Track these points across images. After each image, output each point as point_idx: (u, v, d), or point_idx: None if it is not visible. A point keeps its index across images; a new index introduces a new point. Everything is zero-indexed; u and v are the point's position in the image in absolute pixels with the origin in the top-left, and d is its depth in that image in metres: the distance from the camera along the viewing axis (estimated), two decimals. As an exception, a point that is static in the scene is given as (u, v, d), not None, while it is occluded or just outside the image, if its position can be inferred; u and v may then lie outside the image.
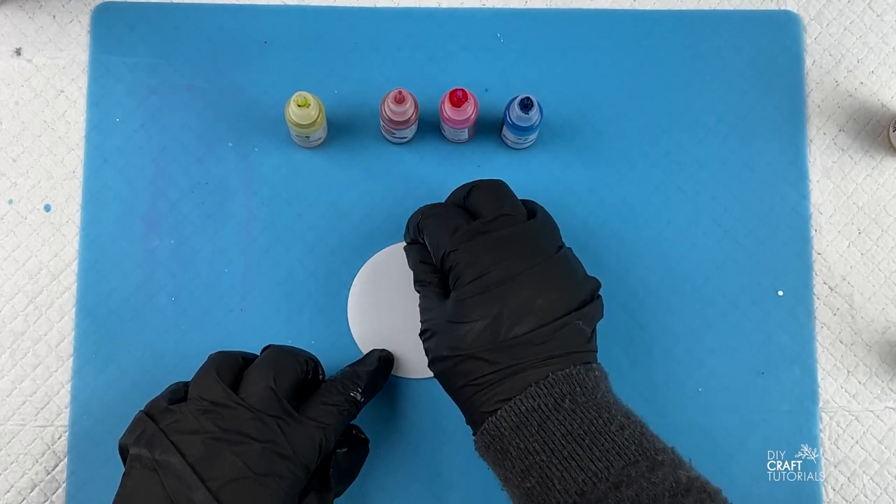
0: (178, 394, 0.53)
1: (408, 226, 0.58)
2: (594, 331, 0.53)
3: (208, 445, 0.49)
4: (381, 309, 0.64)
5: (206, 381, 0.52)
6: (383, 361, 0.60)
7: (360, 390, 0.56)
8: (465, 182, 0.58)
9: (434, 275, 0.55)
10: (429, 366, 0.53)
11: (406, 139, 0.66)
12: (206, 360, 0.55)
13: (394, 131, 0.63)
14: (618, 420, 0.48)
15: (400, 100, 0.60)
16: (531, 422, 0.47)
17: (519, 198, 0.57)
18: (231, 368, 0.53)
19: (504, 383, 0.49)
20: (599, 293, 0.55)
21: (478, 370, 0.49)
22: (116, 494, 0.51)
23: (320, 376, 0.57)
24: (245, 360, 0.55)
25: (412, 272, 0.58)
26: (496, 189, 0.55)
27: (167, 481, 0.49)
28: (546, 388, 0.48)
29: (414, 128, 0.64)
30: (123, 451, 0.53)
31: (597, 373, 0.50)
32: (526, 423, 0.47)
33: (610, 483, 0.45)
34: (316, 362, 0.57)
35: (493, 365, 0.49)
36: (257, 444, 0.50)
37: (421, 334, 0.54)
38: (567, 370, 0.48)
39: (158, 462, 0.49)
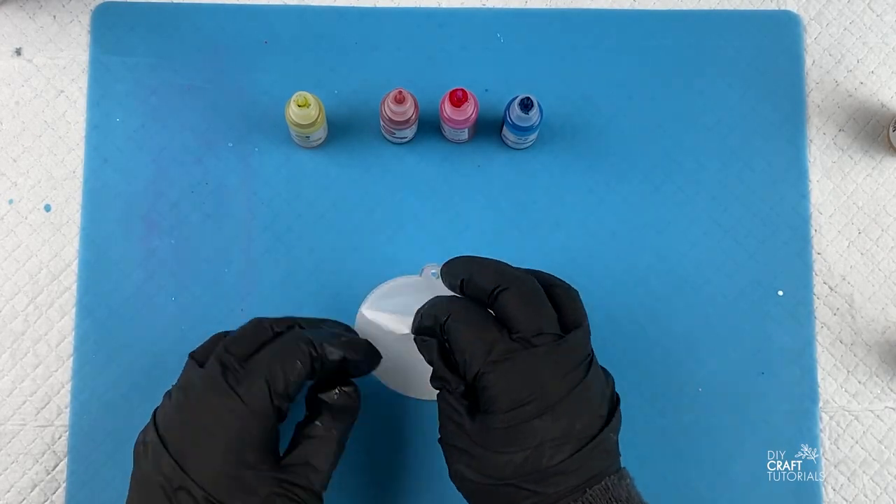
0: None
1: (422, 314, 0.54)
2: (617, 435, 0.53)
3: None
4: (392, 328, 0.61)
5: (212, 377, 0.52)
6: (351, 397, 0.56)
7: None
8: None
9: (459, 380, 0.51)
10: (453, 479, 0.51)
11: (406, 139, 0.66)
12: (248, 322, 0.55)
13: (394, 131, 0.63)
14: None
15: (400, 100, 0.60)
16: None
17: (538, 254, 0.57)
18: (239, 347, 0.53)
19: None
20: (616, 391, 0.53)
21: (517, 498, 0.48)
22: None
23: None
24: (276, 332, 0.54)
25: (429, 365, 0.53)
26: (531, 298, 0.51)
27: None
28: None
29: (414, 128, 0.64)
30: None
31: (627, 480, 0.50)
32: None
33: None
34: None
35: (534, 495, 0.48)
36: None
37: (442, 442, 0.52)
38: (603, 483, 0.48)
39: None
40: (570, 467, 0.48)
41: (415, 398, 0.63)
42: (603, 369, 0.53)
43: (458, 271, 0.52)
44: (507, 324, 0.50)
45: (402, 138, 0.65)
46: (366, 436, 0.63)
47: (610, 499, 0.48)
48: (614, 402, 0.52)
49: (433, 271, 0.63)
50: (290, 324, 0.55)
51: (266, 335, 0.53)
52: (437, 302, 0.53)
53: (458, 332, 0.50)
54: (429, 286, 0.63)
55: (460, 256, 0.54)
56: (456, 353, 0.51)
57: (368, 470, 0.63)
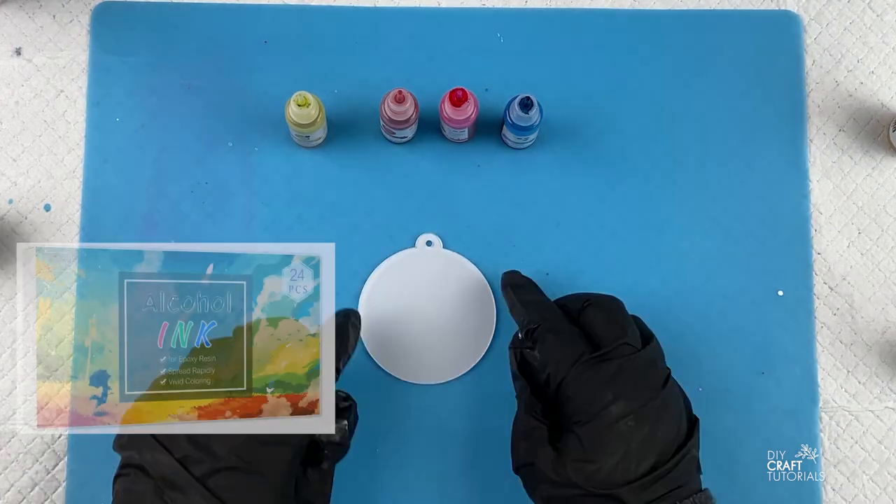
0: None
1: (518, 307, 0.57)
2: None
3: (194, 440, 0.49)
4: (392, 313, 0.64)
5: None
6: (345, 317, 0.57)
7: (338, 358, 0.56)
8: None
9: (540, 412, 0.54)
10: (539, 499, 0.52)
11: (406, 139, 0.66)
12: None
13: (394, 131, 0.63)
14: None
15: (400, 99, 0.60)
16: None
17: (588, 291, 0.57)
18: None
19: None
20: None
21: None
22: (113, 492, 0.51)
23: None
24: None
25: (519, 392, 0.56)
26: (615, 312, 0.54)
27: (158, 479, 0.49)
28: None
29: (414, 128, 0.64)
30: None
31: (713, 501, 0.51)
32: None
33: None
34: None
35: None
36: (243, 434, 0.50)
37: (521, 468, 0.53)
38: (691, 500, 0.49)
39: (146, 461, 0.49)
40: (657, 477, 0.48)
41: (415, 383, 0.64)
42: (679, 388, 0.54)
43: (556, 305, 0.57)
44: (591, 338, 0.53)
45: (402, 138, 0.65)
46: (367, 423, 0.63)
47: None
48: (693, 420, 0.53)
49: (428, 240, 0.65)
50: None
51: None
52: (531, 308, 0.56)
53: (548, 344, 0.53)
54: (425, 256, 0.65)
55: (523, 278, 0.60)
56: (541, 362, 0.53)
57: (371, 457, 0.63)
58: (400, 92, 0.60)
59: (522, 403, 0.54)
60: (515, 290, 0.59)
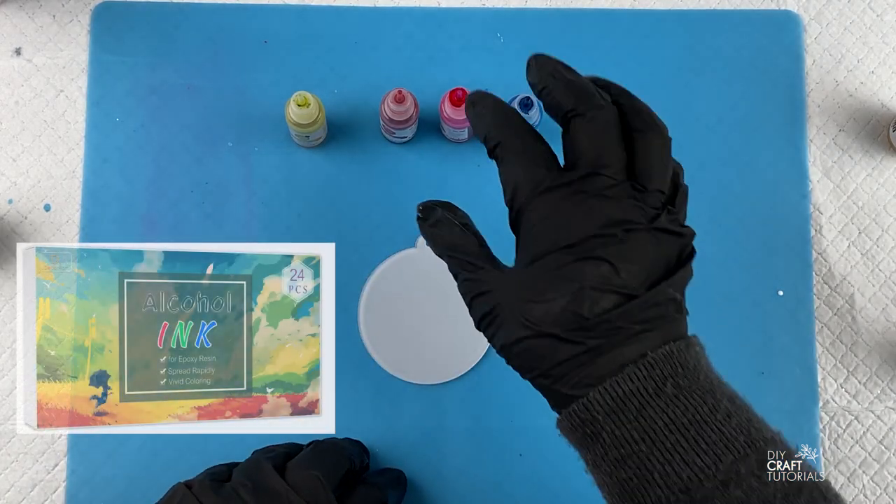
0: (219, 475, 0.53)
1: (480, 121, 0.46)
2: (683, 295, 0.46)
3: None
4: (392, 313, 0.64)
5: (255, 466, 0.52)
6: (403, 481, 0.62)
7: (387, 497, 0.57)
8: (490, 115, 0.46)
9: (480, 245, 0.47)
10: (499, 352, 0.45)
11: (406, 139, 0.66)
12: (252, 454, 0.55)
13: (394, 131, 0.63)
14: (724, 406, 0.43)
15: (400, 99, 0.60)
16: (629, 407, 0.42)
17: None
18: (278, 458, 0.54)
19: (594, 364, 0.42)
20: (693, 245, 0.46)
21: (562, 352, 0.43)
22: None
23: (365, 463, 0.58)
24: (290, 454, 0.55)
25: (432, 234, 0.48)
26: (606, 131, 0.45)
27: None
28: (646, 369, 0.42)
29: (414, 127, 0.64)
30: None
31: (697, 348, 0.44)
32: (623, 407, 0.42)
33: (717, 480, 0.41)
34: (362, 454, 0.58)
35: (577, 346, 0.42)
36: None
37: (481, 320, 0.45)
38: (667, 347, 0.42)
39: None
40: (618, 318, 0.42)
41: (415, 383, 0.64)
42: (679, 232, 0.45)
43: (538, 76, 0.46)
44: (567, 156, 0.45)
45: (402, 138, 0.65)
46: (367, 423, 0.63)
47: (675, 364, 0.42)
48: (684, 257, 0.45)
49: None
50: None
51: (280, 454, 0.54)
52: (489, 122, 0.46)
53: (509, 165, 0.45)
54: (425, 257, 0.64)
55: (548, 57, 0.48)
56: (503, 184, 0.45)
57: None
58: (400, 92, 0.60)
59: (469, 259, 0.47)
60: (476, 104, 0.48)
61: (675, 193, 0.46)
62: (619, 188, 0.44)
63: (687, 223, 0.67)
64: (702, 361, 0.44)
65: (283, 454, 0.55)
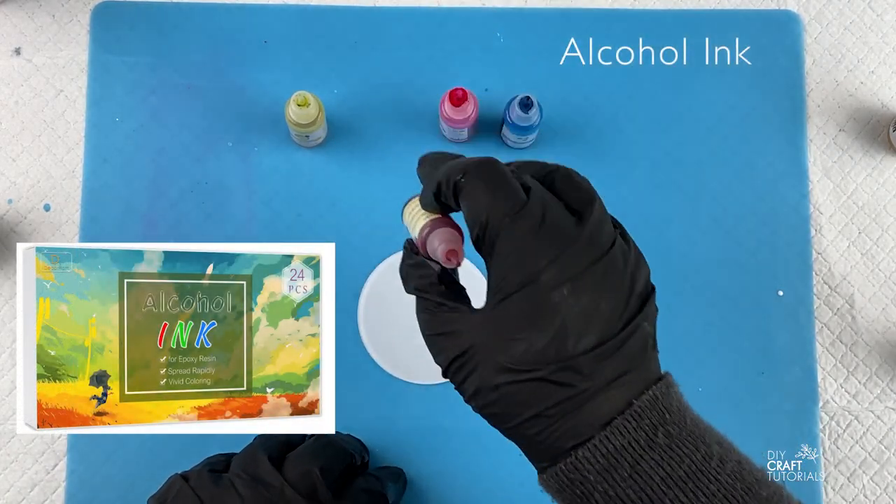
0: (217, 465, 0.53)
1: (430, 178, 0.44)
2: (655, 329, 0.45)
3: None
4: (392, 313, 0.64)
5: (252, 457, 0.53)
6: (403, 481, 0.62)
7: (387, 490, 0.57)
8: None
9: (452, 283, 0.44)
10: (470, 400, 0.42)
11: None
12: (252, 440, 0.56)
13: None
14: (716, 452, 0.41)
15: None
16: (622, 463, 0.40)
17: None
18: (277, 449, 0.54)
19: (579, 413, 0.40)
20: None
21: (545, 397, 0.40)
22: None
23: (365, 461, 0.59)
24: (290, 443, 0.56)
25: (409, 272, 0.45)
26: (583, 183, 0.44)
27: None
28: (635, 420, 0.40)
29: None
30: None
31: (675, 388, 0.42)
32: (616, 464, 0.40)
33: None
34: (362, 450, 0.58)
35: (563, 388, 0.40)
36: None
37: (450, 364, 0.42)
38: (651, 392, 0.41)
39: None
40: (601, 356, 0.40)
41: (414, 383, 0.64)
42: (635, 252, 0.44)
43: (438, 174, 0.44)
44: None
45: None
46: (366, 422, 0.63)
47: (661, 410, 0.40)
48: (648, 290, 0.44)
49: None
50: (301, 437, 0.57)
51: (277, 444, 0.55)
52: (451, 164, 0.43)
53: (475, 197, 0.41)
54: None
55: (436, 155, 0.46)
56: (469, 219, 0.41)
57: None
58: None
59: (437, 300, 0.43)
60: (422, 163, 0.47)
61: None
62: (581, 219, 0.42)
63: (686, 223, 0.67)
64: (682, 402, 0.42)
65: (284, 443, 0.55)
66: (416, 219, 0.46)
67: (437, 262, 0.43)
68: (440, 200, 0.44)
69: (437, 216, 0.45)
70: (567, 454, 0.40)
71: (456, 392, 0.68)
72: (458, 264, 0.42)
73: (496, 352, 0.40)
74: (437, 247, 0.42)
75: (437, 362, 0.42)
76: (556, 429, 0.40)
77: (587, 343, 0.40)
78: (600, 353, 0.40)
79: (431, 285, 0.43)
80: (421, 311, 0.43)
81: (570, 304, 0.40)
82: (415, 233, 0.45)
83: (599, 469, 0.40)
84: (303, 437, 0.57)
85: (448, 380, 0.42)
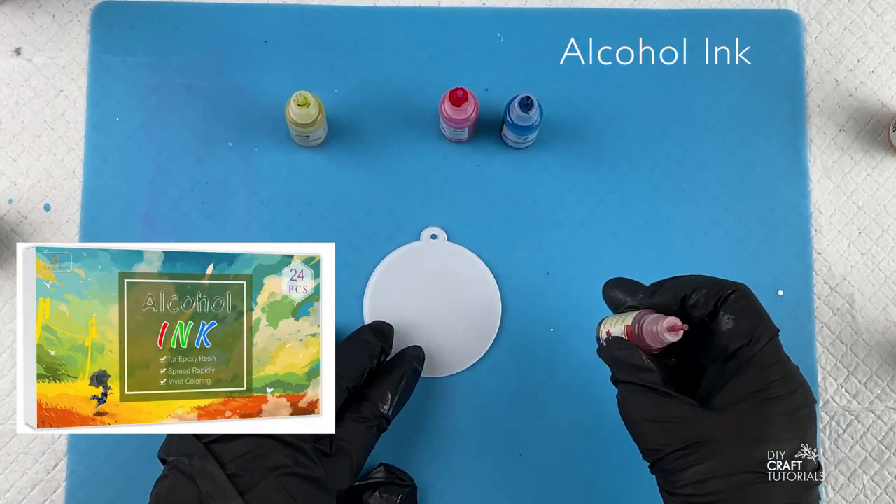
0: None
1: (667, 289, 0.49)
2: None
3: (247, 461, 0.51)
4: (397, 307, 0.65)
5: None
6: (411, 374, 0.61)
7: (387, 406, 0.58)
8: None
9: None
10: (680, 489, 0.44)
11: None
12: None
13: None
14: None
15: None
16: None
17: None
18: None
19: None
20: None
21: (769, 499, 0.44)
22: (151, 494, 0.51)
23: (386, 356, 0.61)
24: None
25: (620, 356, 0.47)
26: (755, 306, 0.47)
27: (203, 486, 0.49)
28: None
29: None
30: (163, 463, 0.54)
31: None
32: None
33: None
34: (382, 346, 0.60)
35: (795, 493, 0.44)
36: (295, 470, 0.51)
37: (674, 452, 0.44)
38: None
39: (195, 468, 0.50)
40: (813, 483, 0.45)
41: (424, 377, 0.64)
42: None
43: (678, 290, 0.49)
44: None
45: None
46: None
47: None
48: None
49: (432, 233, 0.65)
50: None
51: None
52: (700, 281, 0.49)
53: (748, 308, 0.46)
54: (430, 249, 0.65)
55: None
56: (738, 329, 0.45)
57: (375, 450, 0.63)
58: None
59: (655, 386, 0.46)
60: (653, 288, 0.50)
61: None
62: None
63: (687, 223, 0.67)
64: None
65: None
66: (622, 318, 0.49)
67: (650, 347, 0.46)
68: (683, 309, 0.47)
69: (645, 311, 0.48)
70: None
71: (456, 392, 0.68)
72: (683, 330, 0.45)
73: (741, 448, 0.43)
74: (659, 323, 0.45)
75: (653, 446, 0.45)
76: None
77: (812, 466, 0.44)
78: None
79: (648, 370, 0.46)
80: (633, 394, 0.46)
81: (807, 427, 0.45)
82: (619, 327, 0.49)
83: None
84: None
85: (654, 467, 0.46)
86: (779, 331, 0.46)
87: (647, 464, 0.47)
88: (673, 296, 0.47)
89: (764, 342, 0.45)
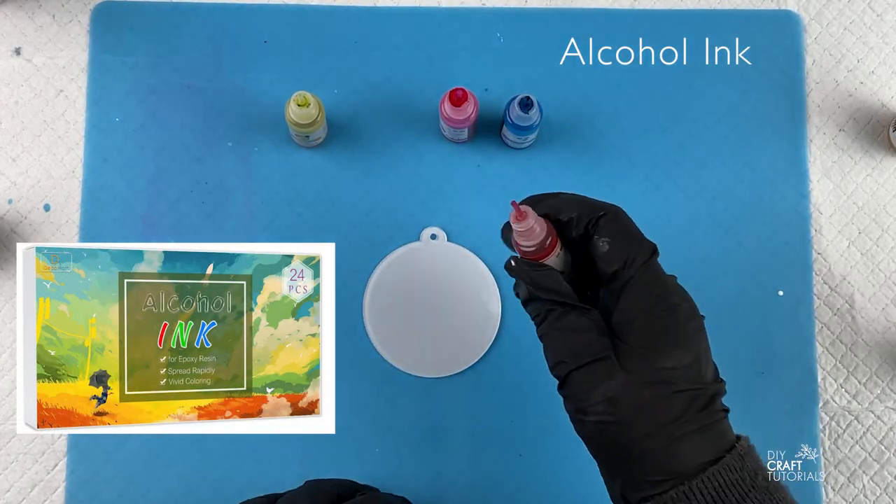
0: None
1: (548, 201, 0.49)
2: None
3: None
4: (397, 306, 0.65)
5: None
6: None
7: None
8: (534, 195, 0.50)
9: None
10: (588, 407, 0.43)
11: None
12: (301, 485, 0.53)
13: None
14: (789, 500, 0.44)
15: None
16: (730, 499, 0.42)
17: (521, 198, 0.50)
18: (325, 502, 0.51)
19: (701, 438, 0.42)
20: None
21: (681, 412, 0.42)
22: None
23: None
24: (340, 495, 0.52)
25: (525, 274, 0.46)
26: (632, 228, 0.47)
27: None
28: (740, 460, 0.42)
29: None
30: None
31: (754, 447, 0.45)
32: (725, 498, 0.42)
33: None
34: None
35: (705, 412, 0.42)
36: None
37: (578, 369, 0.44)
38: (745, 441, 0.44)
39: None
40: (720, 392, 0.44)
41: (420, 376, 0.64)
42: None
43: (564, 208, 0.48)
44: (599, 260, 0.46)
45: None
46: (371, 416, 0.63)
47: (755, 458, 0.43)
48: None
49: (432, 233, 0.65)
50: (351, 486, 0.53)
51: (327, 499, 0.51)
52: (584, 201, 0.49)
53: (620, 230, 0.46)
54: (430, 249, 0.65)
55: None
56: (611, 253, 0.45)
57: (375, 450, 0.63)
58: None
59: (563, 308, 0.45)
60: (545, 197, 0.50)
61: None
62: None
63: (687, 223, 0.67)
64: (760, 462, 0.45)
65: (333, 497, 0.51)
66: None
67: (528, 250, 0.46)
68: (558, 227, 0.47)
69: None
70: (686, 477, 0.42)
71: (456, 392, 0.68)
72: (525, 218, 0.45)
73: (641, 363, 0.43)
74: (510, 215, 0.46)
75: (560, 357, 0.44)
76: (678, 445, 0.42)
77: (711, 376, 0.44)
78: (719, 388, 0.44)
79: (557, 283, 0.45)
80: (542, 309, 0.45)
81: (700, 338, 0.44)
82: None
83: (710, 500, 0.41)
84: (352, 488, 0.53)
85: (558, 379, 0.45)
86: (655, 247, 0.46)
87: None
88: (546, 215, 0.47)
89: (640, 263, 0.45)
